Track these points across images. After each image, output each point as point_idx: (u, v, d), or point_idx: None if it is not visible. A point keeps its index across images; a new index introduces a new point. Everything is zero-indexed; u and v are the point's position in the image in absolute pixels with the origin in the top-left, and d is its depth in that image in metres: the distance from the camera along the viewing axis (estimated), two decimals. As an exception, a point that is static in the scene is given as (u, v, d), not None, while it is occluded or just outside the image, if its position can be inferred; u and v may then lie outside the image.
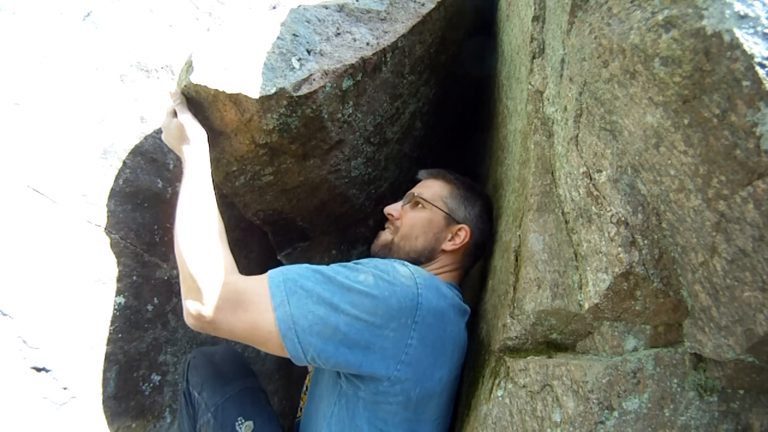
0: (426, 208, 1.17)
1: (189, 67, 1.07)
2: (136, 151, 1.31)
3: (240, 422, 1.12)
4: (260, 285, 0.91)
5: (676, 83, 0.60)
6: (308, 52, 1.12)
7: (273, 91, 1.06)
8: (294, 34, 1.13)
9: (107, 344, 1.22)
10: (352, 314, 0.88)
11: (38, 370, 1.09)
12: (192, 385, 1.19)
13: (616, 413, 0.71)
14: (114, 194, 1.26)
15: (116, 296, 1.25)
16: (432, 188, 1.21)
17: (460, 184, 1.21)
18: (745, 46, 0.53)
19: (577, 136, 0.80)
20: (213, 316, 0.88)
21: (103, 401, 1.19)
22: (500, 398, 0.89)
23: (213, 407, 1.14)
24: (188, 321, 0.90)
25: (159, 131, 1.36)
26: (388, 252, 1.17)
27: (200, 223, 0.97)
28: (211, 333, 0.91)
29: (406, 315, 0.92)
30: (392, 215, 1.21)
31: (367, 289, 0.90)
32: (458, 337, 1.03)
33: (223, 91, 1.04)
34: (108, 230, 1.24)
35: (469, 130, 1.74)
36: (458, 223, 1.16)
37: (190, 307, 0.89)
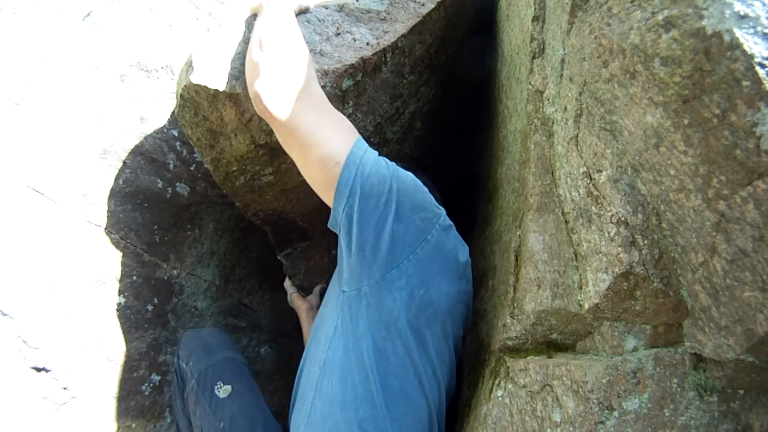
0: None
1: (189, 67, 1.07)
2: (136, 151, 1.31)
3: (219, 386, 1.18)
4: (348, 130, 0.96)
5: (676, 83, 0.60)
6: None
7: (273, 91, 1.06)
8: (294, 34, 1.13)
9: (107, 344, 1.22)
10: (404, 184, 0.93)
11: (38, 370, 1.09)
12: (181, 359, 1.25)
13: (616, 413, 0.71)
14: (114, 194, 1.26)
15: (116, 296, 1.25)
16: None
17: None
18: (745, 46, 0.53)
19: (577, 136, 0.80)
20: (293, 107, 0.90)
21: (103, 401, 1.19)
22: (500, 398, 0.89)
23: (197, 374, 1.20)
24: (259, 104, 0.91)
25: (159, 131, 1.36)
26: None
27: (289, 36, 0.99)
28: (272, 119, 0.91)
29: (433, 213, 0.95)
30: None
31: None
32: (468, 281, 1.04)
33: (223, 91, 1.04)
34: (108, 230, 1.24)
35: (469, 130, 1.74)
36: None
37: (263, 94, 0.90)
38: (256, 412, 1.18)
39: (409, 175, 0.96)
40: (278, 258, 1.50)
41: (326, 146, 0.91)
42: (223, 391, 1.17)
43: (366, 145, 0.95)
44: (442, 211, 0.99)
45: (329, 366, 1.00)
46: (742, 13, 0.53)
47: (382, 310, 0.94)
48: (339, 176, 0.90)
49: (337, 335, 1.00)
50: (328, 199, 0.96)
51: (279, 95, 0.91)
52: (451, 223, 1.00)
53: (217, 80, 1.05)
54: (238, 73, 1.06)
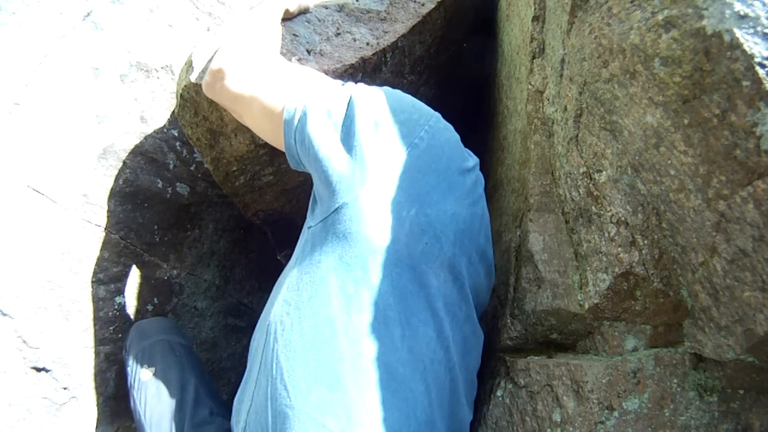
0: None
1: (189, 67, 1.07)
2: (136, 151, 1.31)
3: (144, 369, 1.08)
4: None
5: (676, 83, 0.60)
6: (308, 52, 1.12)
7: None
8: (294, 34, 1.13)
9: (107, 344, 1.22)
10: (368, 90, 0.79)
11: (38, 370, 1.09)
12: (125, 351, 1.17)
13: (616, 413, 0.71)
14: (114, 194, 1.26)
15: (116, 296, 1.25)
16: None
17: None
18: (745, 46, 0.53)
19: (577, 136, 0.80)
20: (231, 71, 0.83)
21: (103, 401, 1.19)
22: (500, 398, 0.89)
23: (130, 360, 1.11)
24: (206, 78, 0.87)
25: (159, 131, 1.36)
26: None
27: (260, 35, 0.93)
28: (215, 91, 0.86)
29: (419, 113, 0.77)
30: None
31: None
32: (483, 204, 0.82)
33: (223, 91, 1.04)
34: (108, 230, 1.24)
35: (469, 130, 1.74)
36: None
37: (217, 65, 0.84)
38: (175, 393, 1.01)
39: (383, 87, 0.80)
40: (278, 258, 1.50)
41: (275, 93, 0.80)
42: (143, 374, 1.06)
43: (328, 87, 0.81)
44: (436, 113, 0.79)
45: (279, 327, 0.72)
46: (742, 13, 0.53)
47: (355, 240, 0.67)
48: (284, 108, 0.78)
49: (291, 285, 0.74)
50: (281, 141, 0.81)
51: (240, 70, 0.83)
52: (448, 124, 0.79)
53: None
54: (238, 73, 1.06)
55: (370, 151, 0.70)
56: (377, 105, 0.75)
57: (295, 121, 0.76)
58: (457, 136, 0.80)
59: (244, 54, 0.87)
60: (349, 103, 0.74)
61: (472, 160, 0.81)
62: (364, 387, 0.65)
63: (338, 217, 0.69)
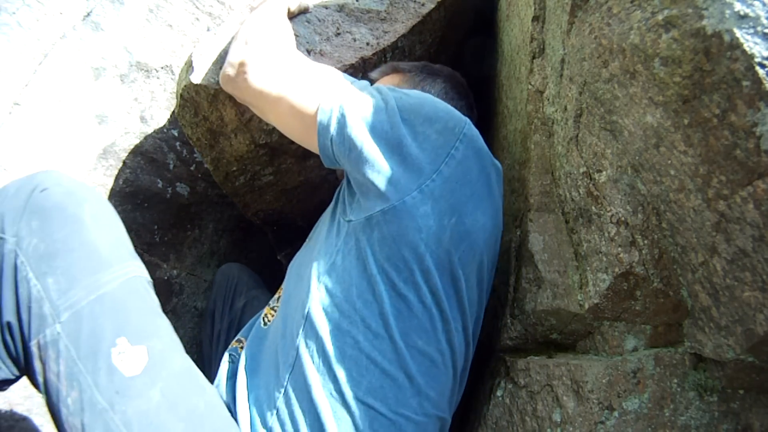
0: None
1: (189, 67, 1.07)
2: (136, 151, 1.31)
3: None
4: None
5: (676, 83, 0.60)
6: (308, 52, 1.12)
7: (273, 91, 1.06)
8: (294, 35, 1.13)
9: (107, 344, 1.22)
10: (404, 95, 0.79)
11: (38, 370, 1.09)
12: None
13: (616, 413, 0.71)
14: (114, 194, 1.26)
15: (116, 296, 1.25)
16: (385, 83, 1.05)
17: (414, 69, 1.07)
18: (745, 46, 0.53)
19: (577, 136, 0.80)
20: (257, 65, 0.83)
21: (103, 401, 1.19)
22: (500, 398, 0.89)
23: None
24: (227, 71, 0.87)
25: (159, 131, 1.36)
26: None
27: (275, 26, 0.92)
28: (236, 85, 0.86)
29: (454, 121, 0.77)
30: None
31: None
32: (500, 217, 0.85)
33: (223, 91, 1.04)
34: (108, 230, 1.24)
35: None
36: None
37: (240, 59, 0.84)
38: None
39: (411, 91, 0.81)
40: (278, 258, 1.50)
41: (305, 92, 0.80)
42: (127, 358, 0.67)
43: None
44: (466, 119, 0.80)
45: (324, 318, 0.76)
46: (742, 13, 0.53)
47: (402, 243, 0.73)
48: (319, 108, 0.78)
49: (335, 276, 0.77)
50: (313, 141, 0.80)
51: (265, 65, 0.84)
52: (476, 132, 0.81)
53: (217, 80, 1.05)
54: (238, 73, 1.06)
55: (413, 158, 0.74)
56: (416, 111, 0.77)
57: (333, 123, 0.77)
58: (484, 144, 0.82)
59: (267, 48, 0.85)
60: (388, 107, 0.76)
61: (496, 170, 0.83)
62: (410, 373, 0.75)
63: (385, 218, 0.74)
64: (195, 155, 1.43)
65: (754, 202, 0.55)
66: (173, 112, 1.39)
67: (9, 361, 0.66)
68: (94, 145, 1.24)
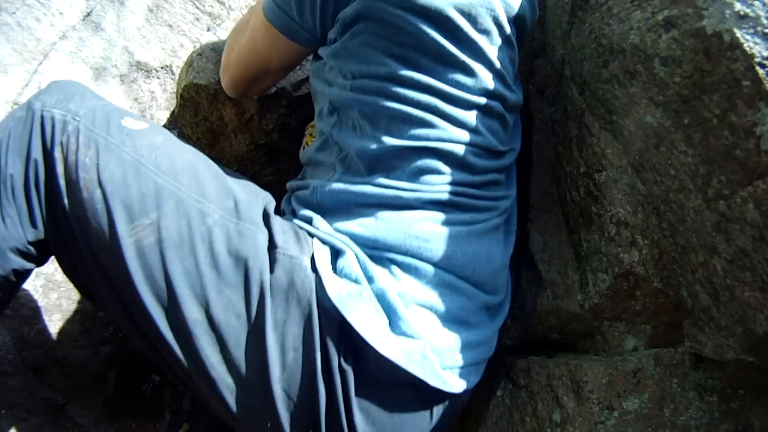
0: None
1: (189, 67, 1.07)
2: (136, 151, 1.31)
3: (125, 121, 0.74)
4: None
5: (676, 83, 0.60)
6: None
7: (273, 90, 1.06)
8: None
9: (107, 344, 1.22)
10: None
11: (38, 370, 1.09)
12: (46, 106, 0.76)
13: (616, 413, 0.71)
14: (114, 194, 1.26)
15: (116, 296, 1.25)
16: None
17: None
18: (745, 46, 0.53)
19: (577, 136, 0.80)
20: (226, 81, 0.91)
21: (103, 401, 1.20)
22: (500, 398, 0.89)
23: (83, 113, 0.72)
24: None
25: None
26: None
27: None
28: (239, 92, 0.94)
29: None
30: None
31: None
32: None
33: (223, 91, 1.05)
34: (108, 230, 1.24)
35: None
36: None
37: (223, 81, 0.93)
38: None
39: None
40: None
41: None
42: (133, 123, 0.72)
43: None
44: None
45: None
46: (742, 13, 0.53)
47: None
48: (256, 17, 0.78)
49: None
50: (280, 41, 0.77)
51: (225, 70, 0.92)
52: None
53: (218, 80, 1.05)
54: (238, 73, 1.06)
55: None
56: None
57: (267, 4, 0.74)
58: None
59: (225, 63, 0.93)
60: None
61: None
62: None
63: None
64: (195, 155, 1.42)
65: (754, 202, 0.55)
66: (173, 112, 1.39)
67: (37, 211, 0.67)
68: (94, 145, 1.24)
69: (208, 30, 1.46)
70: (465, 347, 0.66)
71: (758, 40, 0.53)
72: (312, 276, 0.61)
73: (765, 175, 0.53)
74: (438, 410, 0.67)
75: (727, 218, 0.58)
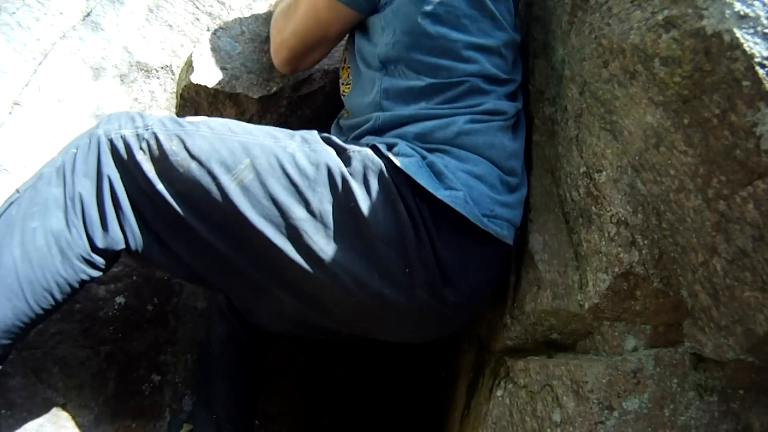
0: None
1: (189, 67, 1.07)
2: (136, 151, 1.31)
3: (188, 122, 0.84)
4: None
5: (676, 83, 0.60)
6: (308, 52, 1.12)
7: (273, 90, 1.06)
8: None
9: (107, 344, 1.22)
10: None
11: (38, 370, 1.09)
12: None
13: (616, 413, 0.71)
14: (114, 194, 1.26)
15: (116, 296, 1.25)
16: None
17: None
18: (745, 46, 0.53)
19: (577, 136, 0.80)
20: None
21: (103, 401, 1.20)
22: (500, 398, 0.89)
23: (153, 123, 0.82)
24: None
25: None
26: None
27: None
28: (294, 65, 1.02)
29: None
30: None
31: None
32: None
33: (223, 91, 1.05)
34: (108, 230, 1.24)
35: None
36: None
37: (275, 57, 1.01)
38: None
39: None
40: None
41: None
42: (196, 118, 0.83)
43: None
44: None
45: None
46: (742, 13, 0.53)
47: None
48: None
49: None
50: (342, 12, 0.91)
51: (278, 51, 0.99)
52: None
53: (217, 80, 1.05)
54: (239, 73, 1.06)
55: None
56: None
57: None
58: None
59: (275, 38, 1.01)
60: None
61: None
62: None
63: None
64: (195, 155, 1.42)
65: (754, 202, 0.55)
66: (173, 112, 1.39)
67: (113, 219, 0.77)
68: (94, 145, 1.24)
69: (208, 30, 1.46)
70: (495, 203, 0.81)
71: (758, 40, 0.53)
72: (380, 159, 0.76)
73: (765, 175, 0.53)
74: (487, 252, 0.81)
75: (727, 218, 0.58)
